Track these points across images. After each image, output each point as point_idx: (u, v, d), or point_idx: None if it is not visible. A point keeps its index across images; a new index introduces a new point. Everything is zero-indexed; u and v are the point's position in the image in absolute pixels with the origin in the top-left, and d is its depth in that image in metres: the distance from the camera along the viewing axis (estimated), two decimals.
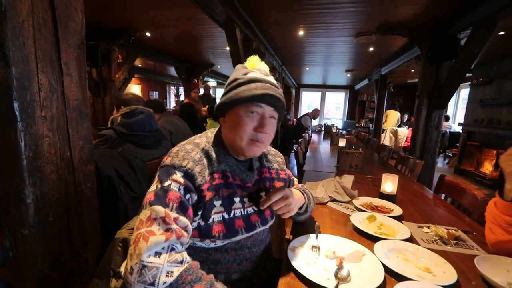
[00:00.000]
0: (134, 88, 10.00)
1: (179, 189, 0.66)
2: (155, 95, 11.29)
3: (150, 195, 0.64)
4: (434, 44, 2.99)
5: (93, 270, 1.07)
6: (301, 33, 3.87)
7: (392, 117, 7.49)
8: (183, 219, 0.63)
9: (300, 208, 0.94)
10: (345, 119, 10.74)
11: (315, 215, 1.19)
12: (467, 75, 5.38)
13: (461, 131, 5.71)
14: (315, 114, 6.00)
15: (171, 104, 11.75)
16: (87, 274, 1.06)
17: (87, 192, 1.05)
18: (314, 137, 5.18)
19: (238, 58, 3.28)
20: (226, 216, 0.76)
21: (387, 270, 0.77)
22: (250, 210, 0.82)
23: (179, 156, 0.72)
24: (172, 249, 0.58)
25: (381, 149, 3.25)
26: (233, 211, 0.77)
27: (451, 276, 0.76)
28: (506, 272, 0.79)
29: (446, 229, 1.07)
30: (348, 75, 7.90)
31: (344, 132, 7.09)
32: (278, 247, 1.43)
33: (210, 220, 0.72)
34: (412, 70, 6.17)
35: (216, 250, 0.77)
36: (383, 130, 7.24)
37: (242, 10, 3.01)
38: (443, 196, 1.68)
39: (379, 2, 2.72)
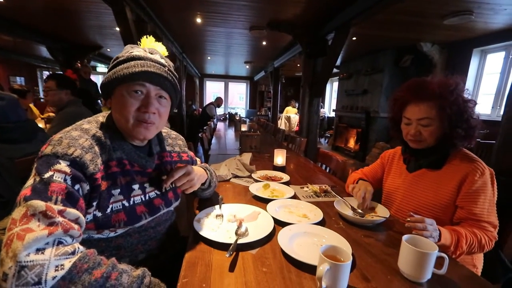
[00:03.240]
0: None
1: (65, 180, 0.60)
2: (19, 81, 8.69)
3: (25, 190, 0.57)
4: (310, 42, 3.60)
5: None
6: (199, 20, 3.85)
7: (290, 112, 8.60)
8: (71, 211, 0.58)
9: (203, 184, 1.02)
10: (248, 108, 11.46)
11: (220, 191, 1.30)
12: (337, 70, 6.78)
13: (334, 116, 7.16)
14: (219, 102, 6.17)
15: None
16: None
17: None
18: (220, 125, 5.34)
19: (130, 41, 2.97)
20: (126, 204, 0.74)
21: (277, 221, 0.96)
22: (152, 194, 0.82)
23: (63, 143, 0.64)
24: (60, 242, 0.53)
25: (277, 132, 3.72)
26: (132, 198, 0.76)
27: (319, 216, 1.02)
28: (350, 207, 1.12)
29: (319, 186, 1.40)
30: (247, 67, 8.42)
31: (247, 120, 7.59)
32: (188, 228, 1.48)
33: (108, 210, 0.70)
34: (298, 65, 7.19)
35: (117, 237, 0.75)
36: (279, 117, 8.23)
37: None
38: (320, 164, 2.13)
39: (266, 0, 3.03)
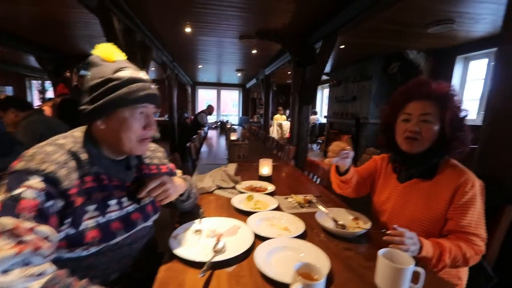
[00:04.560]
0: None
1: (38, 196, 0.59)
2: (7, 91, 8.56)
3: None
4: (299, 51, 3.64)
5: None
6: (188, 30, 3.86)
7: (280, 120, 8.63)
8: (42, 229, 0.56)
9: (182, 195, 0.99)
10: (241, 115, 11.49)
11: (203, 203, 1.27)
12: (327, 77, 6.86)
13: (325, 122, 7.22)
14: (210, 110, 6.16)
15: (34, 102, 9.22)
16: None
17: None
18: (213, 133, 5.32)
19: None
20: (101, 221, 0.72)
21: (257, 235, 0.94)
22: (130, 208, 0.81)
23: (37, 159, 0.64)
24: (28, 263, 0.51)
25: (267, 140, 3.72)
26: (108, 214, 0.74)
27: (301, 228, 1.01)
28: (332, 220, 1.11)
29: (303, 196, 1.38)
30: (239, 74, 8.46)
31: (240, 127, 7.61)
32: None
33: (82, 227, 0.68)
34: (289, 72, 7.25)
35: (88, 256, 0.72)
36: (271, 124, 8.26)
37: None
38: (308, 173, 2.12)
39: (254, 9, 3.07)
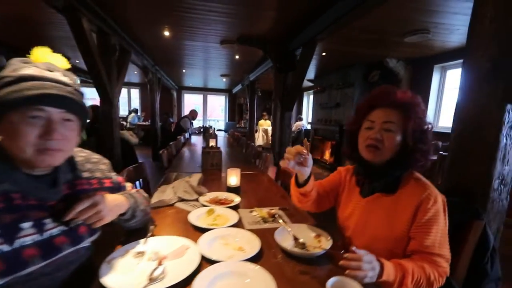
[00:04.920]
0: None
1: None
2: None
3: None
4: (280, 57, 3.61)
5: None
6: (167, 33, 3.76)
7: (264, 125, 8.61)
8: None
9: (123, 214, 0.89)
10: (227, 121, 11.39)
11: (158, 217, 1.17)
12: (311, 84, 6.89)
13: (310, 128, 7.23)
14: (193, 115, 6.04)
15: None
16: None
17: None
18: (198, 139, 5.18)
19: (89, 55, 2.81)
20: (7, 248, 0.61)
21: (205, 258, 0.85)
22: (55, 231, 0.70)
23: None
24: None
25: (248, 147, 3.64)
26: (18, 240, 0.63)
27: (256, 248, 0.91)
28: (293, 238, 1.02)
29: (269, 209, 1.30)
30: (225, 80, 8.39)
31: (227, 133, 7.51)
32: None
33: None
34: None
35: None
36: (256, 130, 8.21)
37: None
38: (281, 183, 2.04)
39: (236, 15, 3.01)
